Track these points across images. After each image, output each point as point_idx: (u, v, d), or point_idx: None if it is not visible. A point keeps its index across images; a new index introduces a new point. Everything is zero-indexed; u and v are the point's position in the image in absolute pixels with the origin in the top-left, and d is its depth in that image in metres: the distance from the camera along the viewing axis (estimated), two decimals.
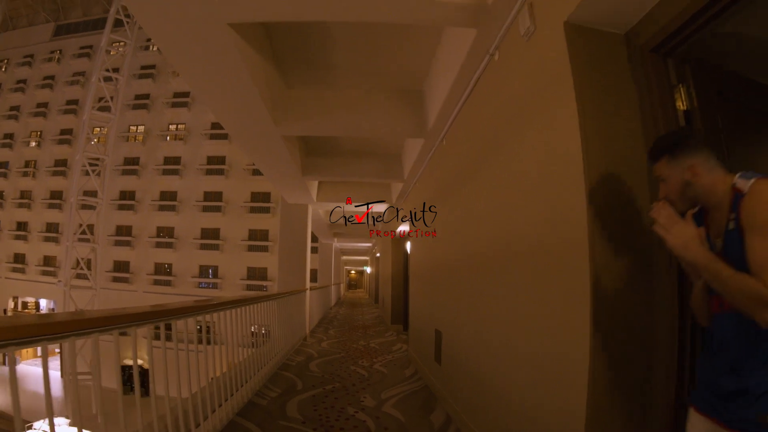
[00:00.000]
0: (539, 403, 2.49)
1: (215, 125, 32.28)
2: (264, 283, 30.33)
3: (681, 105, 2.10)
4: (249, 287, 30.30)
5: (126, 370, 8.06)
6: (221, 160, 33.25)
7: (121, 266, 32.19)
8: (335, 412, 4.48)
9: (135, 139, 34.56)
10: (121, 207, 32.97)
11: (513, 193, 2.95)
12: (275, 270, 29.31)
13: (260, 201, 32.02)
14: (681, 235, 1.48)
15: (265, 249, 31.16)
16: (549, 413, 2.38)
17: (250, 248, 31.46)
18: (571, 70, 2.14)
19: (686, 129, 2.02)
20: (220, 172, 32.93)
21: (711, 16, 1.87)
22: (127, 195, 33.30)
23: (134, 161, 33.91)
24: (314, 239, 18.67)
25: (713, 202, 1.52)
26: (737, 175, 1.47)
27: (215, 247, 31.71)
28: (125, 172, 33.49)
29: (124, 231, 32.86)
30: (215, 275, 31.51)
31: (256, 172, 30.15)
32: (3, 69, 37.41)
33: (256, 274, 30.99)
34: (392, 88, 5.47)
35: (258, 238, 31.48)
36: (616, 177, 2.11)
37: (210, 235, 32.09)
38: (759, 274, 1.34)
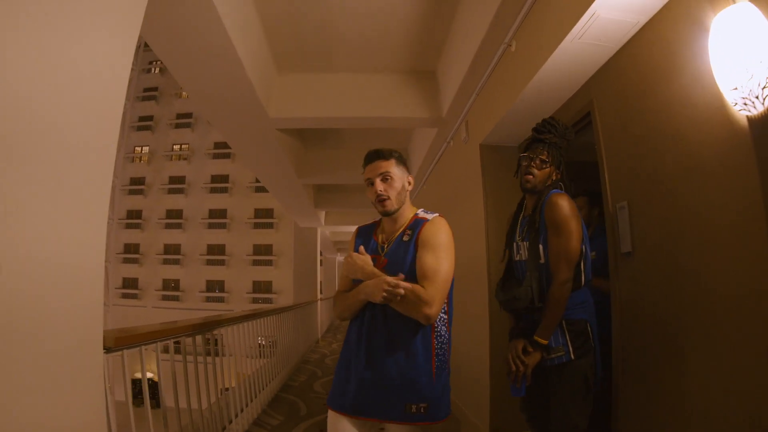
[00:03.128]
0: (476, 378, 4.01)
1: (218, 145, 33.48)
2: (269, 295, 31.33)
3: None
4: (255, 300, 31.23)
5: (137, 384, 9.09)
6: (225, 178, 34.30)
7: (129, 283, 33.00)
8: None
9: (140, 160, 35.53)
10: (129, 225, 33.95)
11: (461, 235, 4.56)
12: (280, 283, 30.40)
13: (264, 217, 33.11)
14: (358, 262, 1.79)
15: (269, 263, 32.14)
16: (480, 381, 3.86)
17: (255, 262, 32.41)
18: (481, 176, 3.78)
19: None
20: (224, 190, 34.03)
21: None
22: (134, 214, 34.26)
23: (140, 181, 34.91)
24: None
25: (397, 216, 1.88)
26: (420, 209, 1.94)
27: (221, 263, 32.64)
28: (132, 192, 34.51)
29: (132, 249, 33.76)
30: (221, 290, 32.39)
31: (259, 189, 31.18)
32: None
33: (262, 287, 31.98)
34: (380, 145, 7.13)
35: (262, 252, 32.56)
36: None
37: (216, 251, 33.11)
38: (421, 279, 1.72)
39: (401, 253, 1.82)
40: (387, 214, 1.86)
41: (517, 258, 2.32)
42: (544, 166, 2.25)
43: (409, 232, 1.86)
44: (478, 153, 3.86)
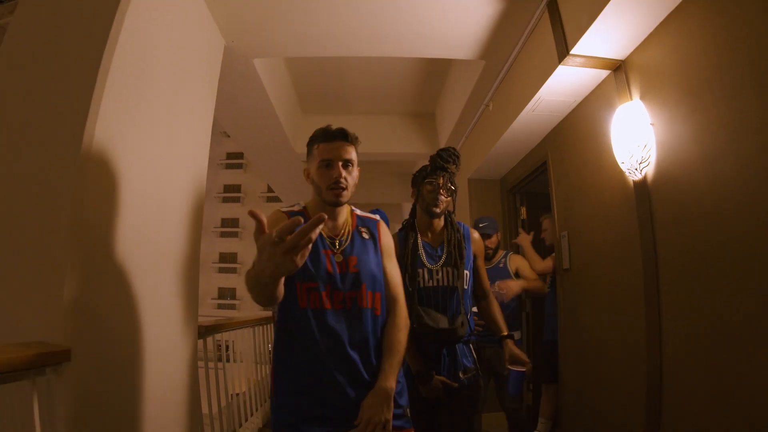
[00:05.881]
0: None
1: (230, 155, 34.30)
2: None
3: (522, 216, 4.54)
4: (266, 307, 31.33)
5: None
6: (237, 188, 35.02)
7: None
8: None
9: None
10: None
11: None
12: None
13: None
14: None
15: None
16: None
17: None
18: (468, 202, 4.63)
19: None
20: (236, 199, 34.70)
21: (532, 178, 4.27)
22: None
23: None
24: None
25: (341, 209, 1.61)
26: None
27: (233, 271, 33.22)
28: None
29: None
30: (233, 297, 32.96)
31: (271, 200, 31.90)
32: None
33: None
34: (389, 171, 8.07)
35: None
36: None
37: (228, 259, 33.72)
38: (396, 293, 1.70)
39: (367, 252, 1.63)
40: (337, 205, 1.58)
41: (430, 284, 2.16)
42: (448, 195, 2.21)
43: (364, 229, 1.67)
44: (467, 185, 4.72)
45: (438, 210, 2.19)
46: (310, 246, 1.06)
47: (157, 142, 2.15)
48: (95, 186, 1.68)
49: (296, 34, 3.30)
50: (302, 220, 1.02)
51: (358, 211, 1.74)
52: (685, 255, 2.16)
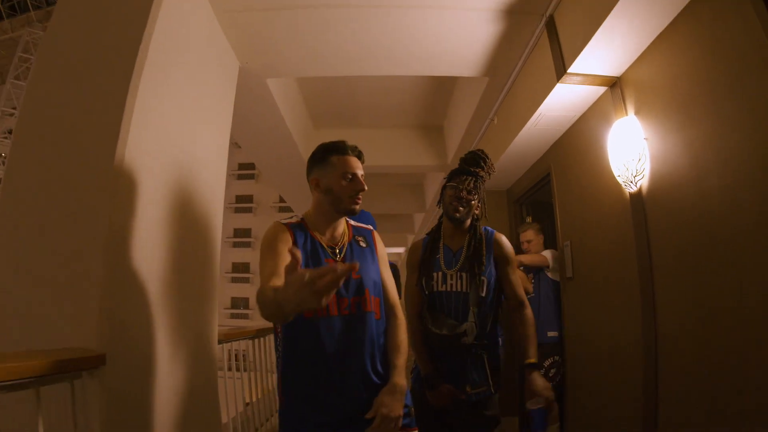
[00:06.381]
0: None
1: (242, 166, 34.51)
2: None
3: None
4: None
5: None
6: (249, 198, 35.27)
7: None
8: None
9: None
10: None
11: None
12: None
13: None
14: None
15: None
16: None
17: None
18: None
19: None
20: (249, 210, 34.94)
21: (537, 188, 4.39)
22: None
23: None
24: None
25: (342, 220, 1.74)
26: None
27: (246, 281, 33.31)
28: None
29: None
30: (246, 306, 33.02)
31: (283, 209, 31.97)
32: None
33: None
34: (400, 183, 8.23)
35: None
36: None
37: (240, 269, 33.81)
38: (393, 299, 1.78)
39: (366, 260, 1.72)
40: (352, 214, 1.68)
41: (443, 288, 2.14)
42: (471, 199, 2.17)
43: (360, 238, 1.76)
44: None
45: (457, 215, 2.15)
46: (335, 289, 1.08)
47: (179, 157, 2.30)
48: (126, 199, 1.82)
49: (308, 54, 3.46)
50: (338, 268, 1.02)
51: (353, 222, 1.81)
52: (678, 259, 2.26)
